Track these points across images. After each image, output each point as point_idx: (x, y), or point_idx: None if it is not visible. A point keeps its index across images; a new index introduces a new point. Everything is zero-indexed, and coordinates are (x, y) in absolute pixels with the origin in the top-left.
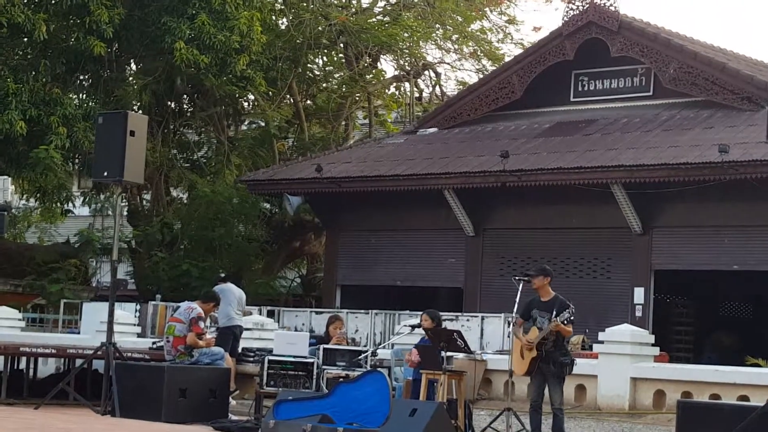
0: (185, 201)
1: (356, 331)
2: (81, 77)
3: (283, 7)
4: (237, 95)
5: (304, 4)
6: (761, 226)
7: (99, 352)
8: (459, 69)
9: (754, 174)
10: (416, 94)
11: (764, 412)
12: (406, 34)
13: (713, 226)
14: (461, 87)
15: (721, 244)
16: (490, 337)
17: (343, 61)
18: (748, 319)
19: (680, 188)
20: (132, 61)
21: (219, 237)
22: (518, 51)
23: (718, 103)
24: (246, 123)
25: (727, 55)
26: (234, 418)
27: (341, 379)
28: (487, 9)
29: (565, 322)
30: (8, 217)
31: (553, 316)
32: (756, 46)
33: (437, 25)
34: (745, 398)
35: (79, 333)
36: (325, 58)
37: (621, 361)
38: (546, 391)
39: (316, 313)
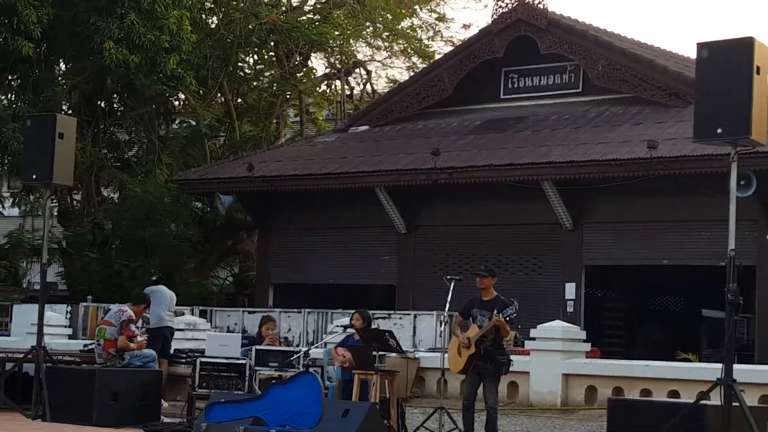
0: (116, 201)
1: (289, 330)
2: (9, 78)
3: (213, 5)
4: (167, 94)
5: (234, 3)
6: (690, 221)
7: (29, 356)
8: (390, 67)
9: (682, 170)
10: (347, 92)
11: (694, 408)
12: (336, 32)
13: (643, 222)
14: (392, 85)
15: (650, 239)
16: (423, 335)
17: (274, 59)
18: (679, 312)
19: (610, 184)
20: (61, 61)
21: (151, 237)
22: (448, 48)
23: (646, 99)
24: (177, 122)
25: (655, 52)
26: (166, 420)
27: (274, 381)
28: (417, 6)
29: (507, 318)
30: None
31: (495, 313)
32: (683, 42)
33: (367, 23)
34: (675, 393)
35: (9, 335)
36: (255, 57)
37: (553, 357)
38: (480, 389)
39: (249, 312)
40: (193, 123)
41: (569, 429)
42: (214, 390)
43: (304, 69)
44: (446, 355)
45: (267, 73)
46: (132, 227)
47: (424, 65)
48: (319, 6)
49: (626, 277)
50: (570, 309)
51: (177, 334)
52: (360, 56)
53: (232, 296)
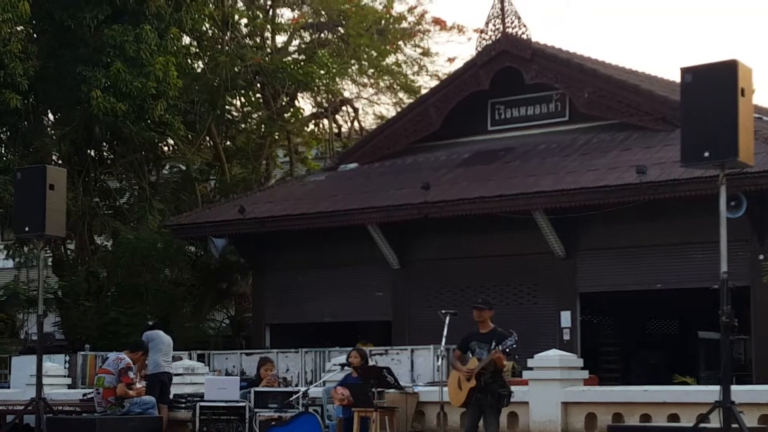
0: (110, 248)
1: (287, 370)
2: None
3: (198, 50)
4: (156, 140)
5: (219, 47)
6: (682, 244)
7: (29, 408)
8: (376, 103)
9: (672, 193)
10: (335, 130)
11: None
12: (322, 72)
13: (635, 247)
14: (379, 121)
15: (643, 263)
16: (421, 369)
17: (261, 101)
18: (675, 335)
19: (601, 211)
20: (49, 111)
21: (146, 283)
22: (434, 83)
23: (633, 124)
24: (167, 167)
25: (640, 77)
26: None
27: (273, 422)
28: (401, 42)
29: (507, 350)
30: None
31: (492, 346)
32: (668, 65)
33: (353, 61)
34: (675, 417)
35: (8, 387)
36: (242, 99)
37: (551, 386)
38: (481, 422)
39: (246, 354)
40: (183, 168)
41: None
42: None
43: (292, 109)
44: (445, 389)
45: (254, 115)
46: (127, 274)
47: (411, 100)
48: (303, 46)
49: (621, 302)
50: (566, 337)
51: (176, 379)
52: (346, 94)
53: (229, 339)
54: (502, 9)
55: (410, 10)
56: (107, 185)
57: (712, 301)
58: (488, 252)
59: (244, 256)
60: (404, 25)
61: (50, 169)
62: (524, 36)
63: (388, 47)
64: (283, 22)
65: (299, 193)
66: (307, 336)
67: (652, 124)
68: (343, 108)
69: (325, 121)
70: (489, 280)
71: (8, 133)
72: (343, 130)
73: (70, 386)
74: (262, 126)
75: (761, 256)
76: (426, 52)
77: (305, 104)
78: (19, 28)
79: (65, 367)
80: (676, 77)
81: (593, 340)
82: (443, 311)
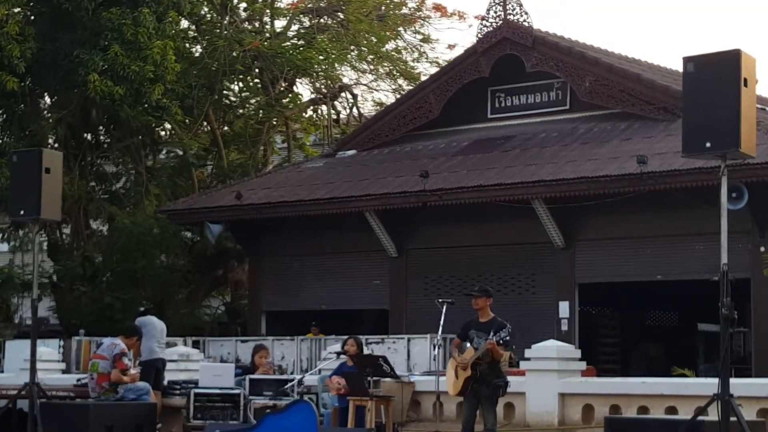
0: (105, 233)
1: (282, 358)
2: None
3: (196, 34)
4: (153, 125)
5: (218, 31)
6: (682, 235)
7: (23, 392)
8: (375, 90)
9: (673, 184)
10: (334, 117)
11: (691, 424)
12: (321, 57)
13: (635, 238)
14: (378, 108)
15: (643, 254)
16: (417, 359)
17: (259, 86)
18: (674, 327)
19: (601, 201)
20: (46, 94)
21: (141, 268)
22: (434, 69)
23: (634, 114)
24: (164, 152)
25: (642, 66)
26: None
27: (268, 410)
28: (401, 28)
29: (501, 341)
30: None
31: (490, 336)
32: (670, 55)
33: (352, 47)
34: (672, 409)
35: (2, 371)
36: (240, 84)
37: (548, 377)
38: (479, 411)
39: (242, 341)
40: (180, 153)
41: None
42: (209, 421)
43: (290, 95)
44: (441, 379)
45: (252, 100)
46: (122, 259)
47: (410, 87)
48: (302, 31)
49: (620, 293)
50: (564, 327)
51: (170, 366)
52: (345, 80)
53: (225, 325)
54: None
55: None
56: (103, 169)
57: (711, 294)
58: (487, 241)
59: (241, 243)
60: (404, 11)
61: (46, 153)
62: (526, 23)
63: (387, 33)
64: (282, 6)
65: (297, 180)
66: (303, 324)
67: (654, 114)
68: (342, 94)
69: (324, 107)
70: (487, 270)
71: (4, 116)
72: (341, 116)
73: (64, 371)
74: (260, 111)
75: (762, 248)
76: (426, 39)
77: (304, 90)
78: (16, 10)
79: (59, 352)
80: (679, 67)
81: (591, 331)
82: (440, 300)
